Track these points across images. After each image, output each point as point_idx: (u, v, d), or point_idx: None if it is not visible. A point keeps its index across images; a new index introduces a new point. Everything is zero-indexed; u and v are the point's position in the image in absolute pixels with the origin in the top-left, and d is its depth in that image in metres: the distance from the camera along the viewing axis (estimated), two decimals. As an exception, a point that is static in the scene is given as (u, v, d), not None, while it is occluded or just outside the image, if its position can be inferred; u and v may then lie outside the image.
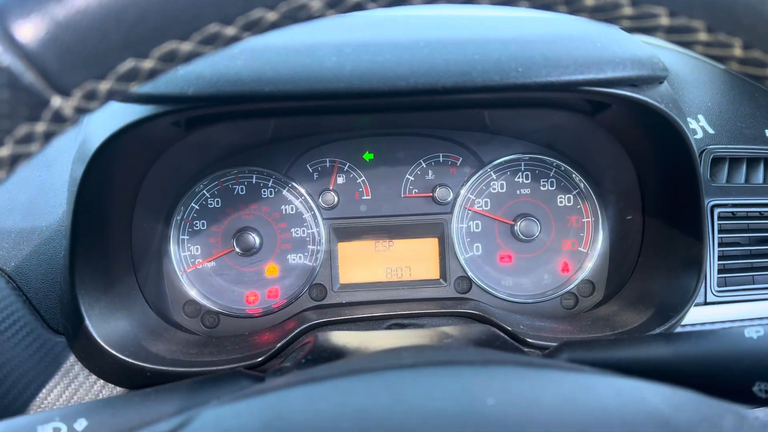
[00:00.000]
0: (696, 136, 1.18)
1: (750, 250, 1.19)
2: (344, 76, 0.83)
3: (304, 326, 1.06)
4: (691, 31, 0.41)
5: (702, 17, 0.40)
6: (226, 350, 1.05)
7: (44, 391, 1.01)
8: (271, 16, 0.39)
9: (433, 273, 1.27)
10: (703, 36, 0.41)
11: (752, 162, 1.21)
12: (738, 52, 0.41)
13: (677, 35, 0.42)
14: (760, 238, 1.19)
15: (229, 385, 0.68)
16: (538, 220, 1.25)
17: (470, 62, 0.84)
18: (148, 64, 0.38)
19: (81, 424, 0.57)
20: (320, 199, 1.24)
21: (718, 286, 1.16)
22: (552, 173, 1.27)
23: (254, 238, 1.22)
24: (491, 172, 1.27)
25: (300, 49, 0.86)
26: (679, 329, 1.07)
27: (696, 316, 1.15)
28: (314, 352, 0.81)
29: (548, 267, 1.27)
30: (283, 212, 1.25)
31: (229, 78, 0.84)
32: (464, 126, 1.25)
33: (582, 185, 1.27)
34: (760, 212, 1.19)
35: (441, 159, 1.27)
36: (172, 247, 1.22)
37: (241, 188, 1.24)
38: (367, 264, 1.26)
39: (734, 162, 1.21)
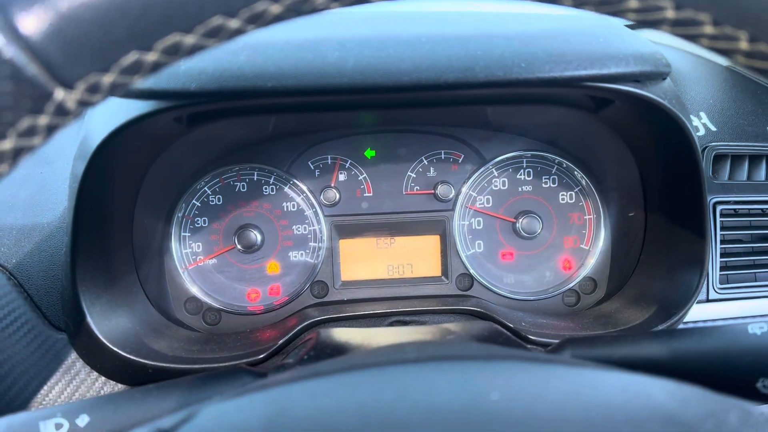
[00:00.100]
0: (698, 134, 1.18)
1: (752, 247, 1.18)
2: (347, 71, 0.83)
3: (305, 323, 1.06)
4: (696, 24, 0.41)
5: (708, 10, 0.40)
6: (227, 347, 1.05)
7: (45, 387, 1.01)
8: (275, 8, 0.39)
9: (435, 270, 1.27)
10: (709, 29, 0.41)
11: (754, 159, 1.21)
12: (744, 45, 0.41)
13: (683, 28, 0.42)
14: (762, 236, 1.19)
15: (230, 381, 0.68)
16: (539, 218, 1.25)
17: (473, 58, 0.84)
18: (151, 56, 0.38)
19: (83, 420, 0.57)
20: (322, 196, 1.24)
21: (720, 283, 1.15)
22: (554, 170, 1.27)
23: (256, 236, 1.22)
24: (493, 169, 1.27)
25: (302, 45, 0.86)
26: (681, 326, 1.07)
27: (698, 313, 1.14)
28: (316, 348, 0.80)
29: (550, 264, 1.27)
30: (285, 209, 1.25)
31: (232, 73, 0.84)
32: (466, 123, 1.25)
33: (584, 182, 1.26)
34: (762, 209, 1.19)
35: (443, 156, 1.27)
36: (174, 244, 1.22)
37: (243, 185, 1.24)
38: (369, 261, 1.26)
39: (736, 159, 1.20)
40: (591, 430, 0.40)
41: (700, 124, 1.21)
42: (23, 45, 0.34)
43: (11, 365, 0.98)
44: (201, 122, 1.04)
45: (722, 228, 1.16)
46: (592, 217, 1.27)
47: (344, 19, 0.98)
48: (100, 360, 0.98)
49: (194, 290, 1.22)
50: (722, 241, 1.16)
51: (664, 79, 0.98)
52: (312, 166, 1.25)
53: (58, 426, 0.56)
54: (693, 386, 0.46)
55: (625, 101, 1.00)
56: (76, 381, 1.03)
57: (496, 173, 1.27)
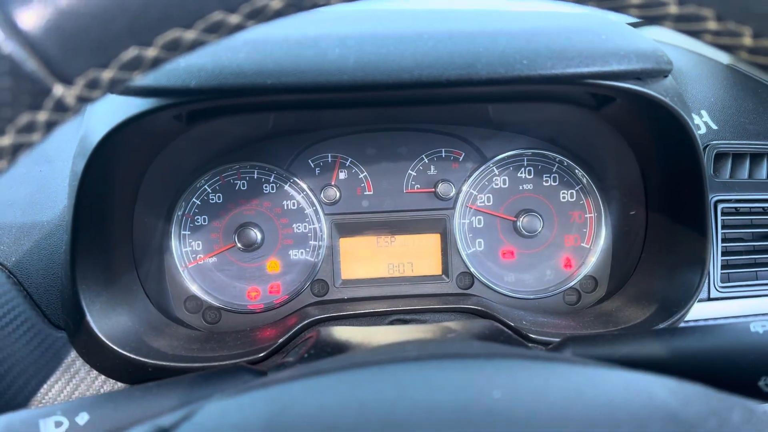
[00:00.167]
0: (699, 132, 1.18)
1: (753, 245, 1.18)
2: (347, 68, 0.82)
3: (305, 322, 1.05)
4: (700, 20, 0.40)
5: (711, 5, 0.39)
6: (227, 346, 1.05)
7: (45, 386, 1.01)
8: (276, 3, 0.38)
9: (436, 269, 1.27)
10: (712, 25, 0.40)
11: (755, 158, 1.21)
12: (748, 41, 0.41)
13: (686, 24, 0.41)
14: (763, 234, 1.19)
15: (231, 380, 0.67)
16: (540, 216, 1.25)
17: (475, 55, 0.84)
18: (151, 52, 0.38)
19: (83, 418, 0.57)
20: (322, 195, 1.24)
21: (722, 281, 1.15)
22: (555, 168, 1.27)
23: (256, 234, 1.21)
24: (494, 168, 1.26)
25: (303, 42, 0.86)
26: (682, 325, 1.07)
27: (699, 312, 1.14)
28: (317, 346, 0.80)
29: (551, 263, 1.27)
30: (285, 208, 1.24)
31: (232, 70, 0.84)
32: (467, 121, 1.24)
33: (585, 180, 1.26)
34: (763, 208, 1.18)
35: (443, 154, 1.26)
36: (174, 243, 1.22)
37: (243, 183, 1.24)
38: (369, 260, 1.26)
39: (737, 157, 1.20)
40: (593, 429, 0.40)
41: (701, 123, 1.21)
42: (22, 40, 0.34)
43: (11, 364, 0.98)
44: (201, 120, 1.04)
45: (723, 226, 1.15)
46: (593, 215, 1.27)
47: (345, 16, 0.98)
48: (100, 358, 0.98)
49: (194, 289, 1.22)
50: (723, 240, 1.16)
51: (666, 76, 0.98)
52: (312, 164, 1.25)
53: (58, 424, 0.56)
54: (695, 384, 0.46)
55: (626, 99, 1.00)
56: (75, 380, 1.03)
57: (496, 171, 1.26)
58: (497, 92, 1.01)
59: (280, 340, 1.00)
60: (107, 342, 0.94)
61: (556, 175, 1.27)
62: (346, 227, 1.25)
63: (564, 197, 1.27)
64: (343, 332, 0.87)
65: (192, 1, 0.36)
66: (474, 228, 1.27)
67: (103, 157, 0.90)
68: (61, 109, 0.37)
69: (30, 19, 0.34)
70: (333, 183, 1.25)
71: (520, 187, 1.27)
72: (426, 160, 1.26)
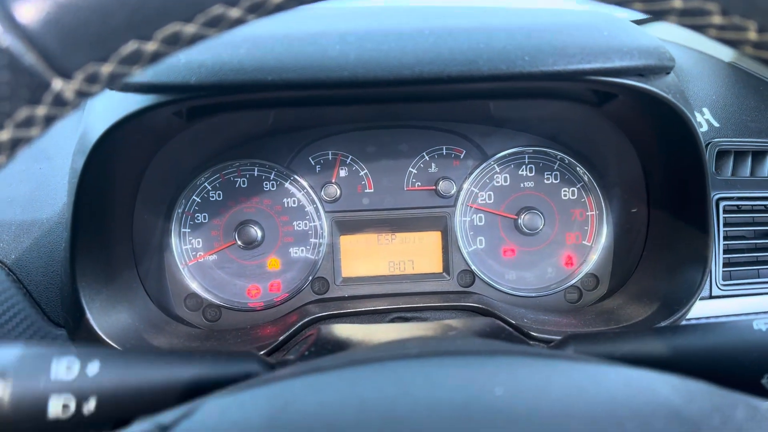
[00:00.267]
0: (701, 129, 1.17)
1: (755, 243, 1.18)
2: (348, 64, 0.82)
3: (306, 320, 1.05)
4: (704, 14, 0.40)
5: (716, -1, 0.39)
6: (227, 343, 1.05)
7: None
8: (277, -3, 0.38)
9: (436, 267, 1.26)
10: (717, 19, 0.40)
11: (757, 155, 1.21)
12: (752, 35, 0.41)
13: (690, 18, 0.41)
14: (765, 232, 1.19)
15: (240, 364, 0.67)
16: (541, 214, 1.24)
17: (476, 51, 0.83)
18: (151, 46, 0.37)
19: (94, 367, 0.57)
20: (322, 192, 1.24)
21: (723, 279, 1.15)
22: (556, 166, 1.26)
23: (256, 231, 1.21)
24: (495, 165, 1.26)
25: (303, 38, 0.85)
26: (684, 323, 1.07)
27: (701, 309, 1.14)
28: (317, 344, 0.80)
29: (552, 261, 1.27)
30: (285, 205, 1.24)
31: (232, 67, 0.83)
32: (468, 118, 1.24)
33: (586, 178, 1.26)
34: (765, 206, 1.18)
35: (444, 152, 1.26)
36: (174, 240, 1.21)
37: (243, 181, 1.23)
38: (370, 257, 1.26)
39: (739, 155, 1.20)
40: (596, 426, 0.39)
41: (703, 120, 1.20)
42: (21, 34, 0.34)
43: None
44: (201, 116, 1.04)
45: (725, 224, 1.15)
46: (594, 213, 1.26)
47: (345, 12, 0.98)
48: (100, 356, 0.97)
49: (194, 286, 1.22)
50: (725, 238, 1.15)
51: (668, 73, 0.98)
52: (313, 162, 1.25)
53: (70, 367, 0.56)
54: (698, 382, 0.45)
55: (628, 95, 1.00)
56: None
57: (497, 169, 1.26)
58: (498, 89, 1.00)
59: (281, 338, 1.00)
60: (107, 339, 0.93)
61: (558, 172, 1.26)
62: (346, 225, 1.25)
63: (565, 195, 1.27)
64: (343, 330, 0.86)
65: (192, -6, 0.36)
66: (475, 225, 1.26)
67: (103, 154, 0.90)
68: (60, 103, 0.37)
69: (29, 12, 0.34)
70: (333, 180, 1.25)
71: (521, 185, 1.26)
72: (427, 157, 1.26)
